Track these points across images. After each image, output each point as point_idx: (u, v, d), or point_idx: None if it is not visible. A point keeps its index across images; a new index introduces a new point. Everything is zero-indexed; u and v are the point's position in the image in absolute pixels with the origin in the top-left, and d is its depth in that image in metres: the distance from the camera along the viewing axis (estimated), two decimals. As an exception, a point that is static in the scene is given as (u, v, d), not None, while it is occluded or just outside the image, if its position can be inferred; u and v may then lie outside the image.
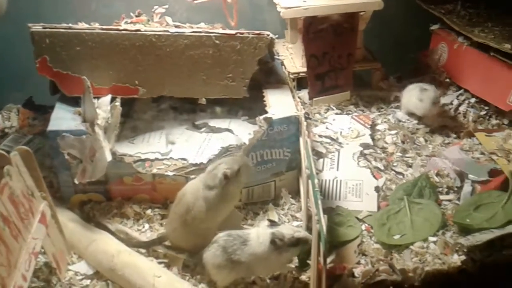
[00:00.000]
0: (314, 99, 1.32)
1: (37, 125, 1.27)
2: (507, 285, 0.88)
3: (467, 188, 1.01)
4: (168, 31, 1.06)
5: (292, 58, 1.39)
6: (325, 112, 1.31)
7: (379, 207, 1.00)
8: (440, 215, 0.94)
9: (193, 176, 1.01)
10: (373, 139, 1.19)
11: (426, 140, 1.20)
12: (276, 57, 1.25)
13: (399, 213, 0.96)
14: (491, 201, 0.95)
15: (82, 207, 1.05)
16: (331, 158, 1.14)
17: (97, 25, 1.09)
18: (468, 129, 1.22)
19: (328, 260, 0.87)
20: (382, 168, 1.10)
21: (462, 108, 1.31)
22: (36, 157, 1.10)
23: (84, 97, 0.99)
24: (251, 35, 1.07)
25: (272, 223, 0.89)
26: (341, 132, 1.21)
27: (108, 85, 1.06)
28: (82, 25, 1.09)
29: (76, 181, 0.98)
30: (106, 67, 1.06)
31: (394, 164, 1.12)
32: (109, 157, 0.95)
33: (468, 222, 0.92)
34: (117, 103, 1.03)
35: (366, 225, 0.97)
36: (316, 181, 0.83)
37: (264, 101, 1.11)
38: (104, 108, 1.02)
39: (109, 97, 1.04)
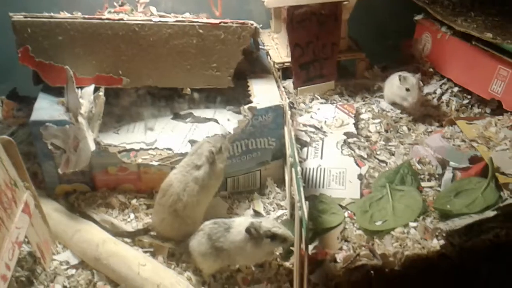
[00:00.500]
0: (299, 88, 1.32)
1: (21, 116, 1.26)
2: (486, 269, 0.90)
3: (448, 175, 1.03)
4: (151, 20, 1.05)
5: (277, 48, 1.39)
6: (310, 102, 1.32)
7: (362, 195, 1.02)
8: (421, 202, 0.95)
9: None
10: (357, 128, 1.21)
11: (409, 129, 1.22)
12: (261, 47, 1.25)
13: (381, 200, 0.98)
14: (471, 187, 0.97)
15: (67, 197, 1.05)
16: (315, 147, 1.15)
17: (79, 14, 1.08)
18: (450, 117, 1.24)
19: (312, 246, 0.89)
20: (366, 156, 1.11)
21: (445, 97, 1.33)
22: (21, 148, 1.10)
23: (67, 87, 0.99)
24: (235, 25, 1.07)
25: (257, 214, 0.89)
26: (325, 121, 1.23)
27: (92, 75, 1.06)
28: (64, 15, 1.08)
29: (60, 171, 0.97)
30: (89, 56, 1.05)
31: (378, 153, 1.14)
32: (92, 147, 0.95)
33: (448, 208, 0.94)
34: (101, 93, 1.03)
35: (349, 212, 0.98)
36: (299, 169, 0.83)
37: (249, 90, 1.11)
38: (88, 98, 1.01)
39: (92, 87, 1.03)
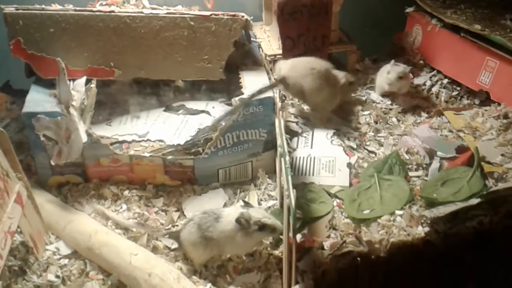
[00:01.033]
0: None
1: (15, 109, 1.26)
2: (470, 256, 0.92)
3: (435, 164, 1.04)
4: (142, 13, 1.06)
5: (269, 41, 1.40)
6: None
7: (351, 184, 1.03)
8: (408, 191, 0.97)
9: (170, 157, 1.03)
10: (347, 119, 1.22)
11: (398, 120, 1.23)
12: (253, 39, 1.26)
13: (370, 189, 0.99)
14: (458, 176, 0.99)
15: (60, 188, 1.06)
16: (305, 137, 1.16)
17: (70, 6, 1.09)
18: (438, 108, 1.25)
19: (300, 235, 0.90)
20: (355, 147, 1.13)
21: (434, 89, 1.34)
22: (14, 141, 1.11)
23: (59, 79, 1.00)
24: (225, 17, 1.08)
25: (246, 204, 0.91)
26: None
27: (83, 67, 1.06)
28: (55, 7, 1.09)
29: (53, 163, 0.99)
30: (80, 48, 1.06)
31: (367, 143, 1.15)
32: (84, 138, 0.96)
33: (434, 197, 0.95)
34: (93, 85, 1.04)
35: (338, 201, 0.99)
36: (287, 158, 0.85)
37: (240, 82, 1.12)
38: (79, 89, 1.02)
39: (84, 78, 1.04)
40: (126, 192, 1.05)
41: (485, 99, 1.27)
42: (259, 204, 1.04)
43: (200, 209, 1.01)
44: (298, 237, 0.88)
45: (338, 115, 1.24)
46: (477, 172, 0.98)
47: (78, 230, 0.94)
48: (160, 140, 1.06)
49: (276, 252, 0.92)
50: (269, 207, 1.03)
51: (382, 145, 1.15)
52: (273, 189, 1.08)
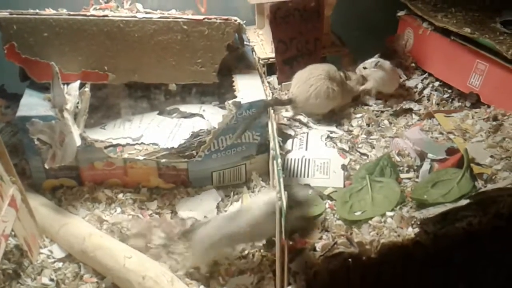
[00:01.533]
0: (283, 83, 1.35)
1: (9, 113, 1.26)
2: (459, 256, 0.94)
3: (425, 166, 1.05)
4: (136, 17, 1.07)
5: (262, 44, 1.41)
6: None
7: (345, 185, 1.05)
8: (399, 192, 0.98)
9: (164, 160, 1.04)
10: (339, 123, 1.24)
11: (390, 123, 1.25)
12: (246, 43, 1.27)
13: (361, 191, 1.00)
14: (448, 178, 1.00)
15: (54, 192, 1.07)
16: (300, 139, 1.17)
17: (64, 11, 1.09)
18: (429, 111, 1.27)
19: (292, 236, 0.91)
20: (347, 149, 1.14)
21: (426, 92, 1.36)
22: (9, 145, 1.12)
23: (53, 83, 1.00)
24: (218, 21, 1.09)
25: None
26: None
27: (77, 71, 1.07)
28: (49, 11, 1.09)
29: (47, 166, 0.99)
30: (74, 53, 1.06)
31: (359, 146, 1.16)
32: (78, 142, 0.96)
33: (425, 198, 0.97)
34: (87, 88, 1.04)
35: (330, 202, 1.01)
36: (279, 161, 0.86)
37: (233, 86, 1.13)
38: (73, 93, 1.03)
39: (77, 82, 1.05)
40: (120, 195, 1.06)
41: (476, 102, 1.28)
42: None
43: (194, 210, 1.02)
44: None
45: (331, 118, 1.25)
46: (466, 174, 1.00)
47: (72, 233, 0.95)
48: (154, 143, 1.07)
49: (269, 255, 0.93)
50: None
51: (374, 148, 1.16)
52: (267, 192, 1.09)
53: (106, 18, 1.05)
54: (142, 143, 1.07)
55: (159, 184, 1.08)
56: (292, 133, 1.20)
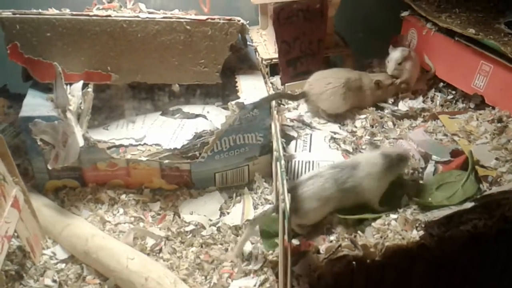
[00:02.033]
0: (286, 84, 1.34)
1: (12, 114, 1.26)
2: (465, 259, 0.93)
3: (430, 168, 1.05)
4: (138, 17, 1.06)
5: (265, 45, 1.40)
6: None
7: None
8: (401, 196, 0.98)
9: (166, 161, 1.04)
10: (343, 123, 1.23)
11: (394, 124, 1.24)
12: (249, 43, 1.27)
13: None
14: (452, 180, 1.00)
15: (57, 192, 1.07)
16: (304, 140, 1.17)
17: (67, 11, 1.09)
18: (433, 112, 1.26)
19: (296, 238, 0.91)
20: (351, 150, 1.13)
21: (430, 93, 1.35)
22: (12, 145, 1.12)
23: (56, 83, 1.00)
24: (222, 21, 1.09)
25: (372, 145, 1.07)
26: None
27: (80, 71, 1.07)
28: (52, 11, 1.09)
29: (49, 167, 0.99)
30: (77, 53, 1.06)
31: (363, 147, 1.16)
32: (81, 142, 0.96)
33: (429, 201, 0.96)
34: (89, 89, 1.04)
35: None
36: (283, 162, 0.85)
37: (237, 86, 1.13)
38: (76, 94, 1.03)
39: (81, 83, 1.05)
40: (123, 196, 1.06)
41: (480, 103, 1.27)
42: (255, 208, 1.05)
43: (196, 212, 1.02)
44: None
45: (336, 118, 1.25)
46: (471, 176, 0.99)
47: (75, 234, 0.95)
48: (157, 144, 1.06)
49: (272, 257, 0.93)
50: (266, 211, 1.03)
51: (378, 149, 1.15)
52: (270, 193, 1.08)
53: (109, 18, 1.05)
54: (145, 144, 1.07)
55: (162, 185, 1.08)
56: (295, 134, 1.19)
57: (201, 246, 0.97)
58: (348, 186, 0.93)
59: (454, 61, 1.30)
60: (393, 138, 1.18)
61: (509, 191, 0.93)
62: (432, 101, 1.33)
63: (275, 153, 0.93)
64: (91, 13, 1.07)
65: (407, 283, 0.92)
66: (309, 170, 1.08)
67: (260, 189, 1.09)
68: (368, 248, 0.84)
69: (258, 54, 1.34)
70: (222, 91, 1.21)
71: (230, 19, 1.09)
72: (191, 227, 1.00)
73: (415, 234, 0.88)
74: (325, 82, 1.22)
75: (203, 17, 1.09)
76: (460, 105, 1.31)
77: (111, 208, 1.04)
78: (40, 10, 1.06)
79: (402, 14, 1.47)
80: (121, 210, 1.04)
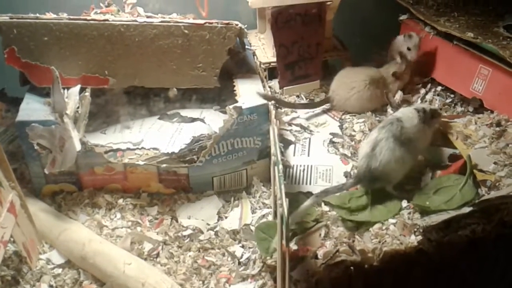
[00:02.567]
0: (285, 88, 1.34)
1: (10, 117, 1.26)
2: (463, 264, 0.93)
3: (428, 172, 1.04)
4: (136, 21, 1.06)
5: (264, 49, 1.40)
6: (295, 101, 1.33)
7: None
8: (399, 203, 0.97)
9: (164, 165, 1.03)
10: (341, 127, 1.23)
11: (392, 128, 1.24)
12: (247, 47, 1.27)
13: (361, 198, 0.99)
14: (450, 184, 0.99)
15: (54, 197, 1.06)
16: (302, 145, 1.17)
17: (65, 15, 1.09)
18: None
19: (295, 244, 0.90)
20: (349, 155, 1.13)
21: (428, 96, 1.35)
22: (8, 150, 1.11)
23: (53, 88, 1.00)
24: (219, 25, 1.08)
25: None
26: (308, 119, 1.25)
27: (78, 75, 1.07)
28: (49, 15, 1.09)
29: (46, 171, 0.98)
30: (74, 57, 1.06)
31: (362, 151, 1.15)
32: (78, 147, 0.96)
33: (427, 205, 0.96)
34: (87, 93, 1.04)
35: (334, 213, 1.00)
36: (280, 167, 0.85)
37: (234, 90, 1.12)
38: (74, 98, 1.02)
39: (78, 87, 1.04)
40: (120, 201, 1.05)
41: (479, 107, 1.27)
42: (253, 212, 1.04)
43: (194, 217, 1.02)
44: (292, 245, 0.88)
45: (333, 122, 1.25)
46: (469, 180, 0.99)
47: (72, 239, 0.94)
48: (155, 148, 1.06)
49: (270, 261, 0.92)
50: (264, 215, 1.03)
51: (376, 153, 1.15)
52: (268, 197, 1.08)
53: (106, 22, 1.05)
54: (142, 148, 1.07)
55: (159, 189, 1.08)
56: (293, 138, 1.19)
57: (199, 251, 0.96)
58: (407, 137, 0.98)
59: (453, 65, 1.30)
60: (392, 142, 1.18)
61: (508, 196, 0.93)
62: (431, 104, 1.33)
63: (273, 158, 0.92)
64: (88, 17, 1.07)
65: (405, 289, 0.91)
66: (307, 174, 1.08)
67: (258, 193, 1.09)
68: (366, 253, 0.84)
69: (256, 58, 1.34)
70: (216, 96, 1.21)
71: (228, 23, 1.09)
72: (188, 232, 0.99)
73: (413, 239, 0.88)
74: (349, 88, 1.24)
75: (201, 21, 1.09)
76: (459, 108, 1.31)
77: (108, 212, 1.04)
78: (37, 15, 1.06)
79: (401, 18, 1.47)
80: (119, 215, 1.03)
